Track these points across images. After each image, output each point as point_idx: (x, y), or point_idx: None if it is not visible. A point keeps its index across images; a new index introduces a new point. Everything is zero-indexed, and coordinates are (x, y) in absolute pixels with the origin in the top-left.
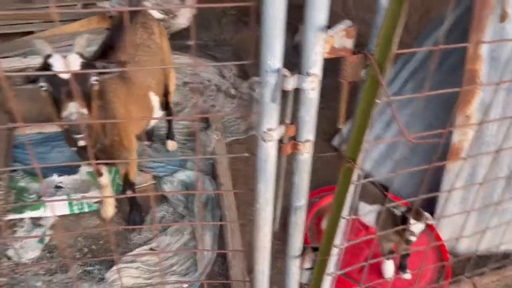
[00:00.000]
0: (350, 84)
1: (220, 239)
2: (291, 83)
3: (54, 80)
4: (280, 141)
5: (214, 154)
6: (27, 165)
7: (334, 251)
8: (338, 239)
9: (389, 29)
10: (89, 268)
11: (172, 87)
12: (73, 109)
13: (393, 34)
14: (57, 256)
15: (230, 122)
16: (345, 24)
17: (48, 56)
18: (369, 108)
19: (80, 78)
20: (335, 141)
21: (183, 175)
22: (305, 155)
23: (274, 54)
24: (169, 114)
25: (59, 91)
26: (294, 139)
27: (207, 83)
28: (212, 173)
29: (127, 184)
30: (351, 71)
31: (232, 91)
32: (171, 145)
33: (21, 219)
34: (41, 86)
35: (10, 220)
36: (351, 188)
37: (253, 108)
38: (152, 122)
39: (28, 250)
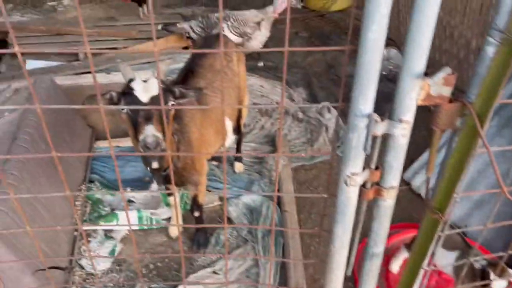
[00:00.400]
0: (443, 132)
1: (282, 268)
2: (381, 129)
3: (133, 103)
4: (363, 186)
5: (280, 179)
6: (103, 177)
7: None
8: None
9: (495, 80)
10: (154, 285)
11: (245, 112)
12: (150, 132)
13: (499, 85)
14: (125, 269)
15: (297, 147)
16: (445, 71)
17: (131, 80)
18: (463, 159)
19: (158, 102)
20: (408, 174)
21: (248, 199)
22: (388, 201)
23: (366, 98)
24: (240, 137)
25: (138, 114)
26: (378, 184)
27: (276, 106)
28: (278, 199)
29: (195, 205)
30: (445, 119)
31: (300, 115)
32: (238, 167)
33: (95, 230)
34: (122, 109)
35: (85, 231)
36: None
37: (320, 133)
38: (225, 146)
39: (100, 261)
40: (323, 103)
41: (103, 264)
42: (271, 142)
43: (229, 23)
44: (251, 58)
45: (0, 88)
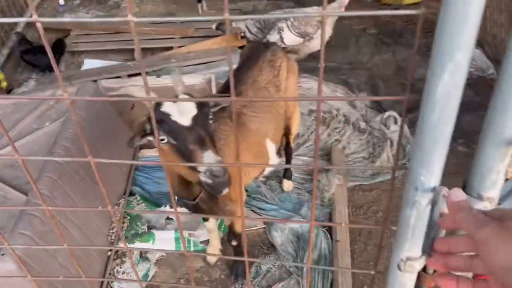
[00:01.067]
0: None
1: None
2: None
3: (175, 129)
4: (423, 270)
5: (332, 201)
6: (145, 189)
7: None
8: None
9: None
10: None
11: (295, 128)
12: (212, 159)
13: None
14: None
15: (356, 163)
16: None
17: (158, 105)
18: None
19: (202, 122)
20: None
21: (296, 224)
22: None
23: (430, 167)
24: (289, 154)
25: (186, 141)
26: None
27: (335, 113)
28: (329, 222)
29: (232, 234)
30: None
31: (362, 125)
32: (287, 185)
33: (130, 250)
34: (162, 140)
35: (120, 250)
36: None
37: (384, 148)
38: (266, 172)
39: (132, 284)
40: (388, 112)
41: None
42: (326, 156)
43: (288, 22)
44: (312, 58)
45: (47, 94)
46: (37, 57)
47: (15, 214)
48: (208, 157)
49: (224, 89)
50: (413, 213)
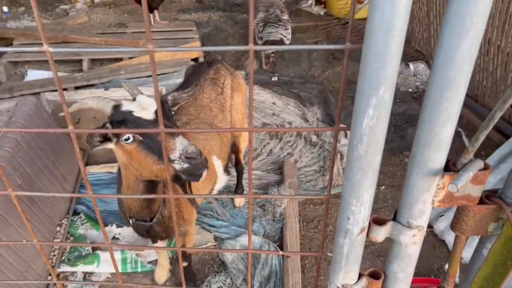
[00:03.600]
0: (467, 239)
1: None
2: (381, 234)
3: (140, 125)
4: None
5: (284, 216)
6: (90, 208)
7: None
8: None
9: None
10: None
11: (243, 145)
12: (184, 142)
13: None
14: None
15: (307, 176)
16: (476, 166)
17: (116, 106)
18: (499, 274)
19: (164, 114)
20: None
21: (246, 240)
22: None
23: (360, 197)
24: (240, 170)
25: (154, 135)
26: None
27: (287, 126)
28: (280, 239)
29: (183, 254)
30: (473, 224)
31: (314, 138)
32: (239, 201)
33: (73, 273)
34: (127, 139)
35: (62, 273)
36: None
37: (335, 161)
38: (216, 189)
39: None
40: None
41: None
42: (279, 169)
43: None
44: (266, 71)
45: None
46: None
47: None
48: (180, 141)
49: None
50: (346, 241)
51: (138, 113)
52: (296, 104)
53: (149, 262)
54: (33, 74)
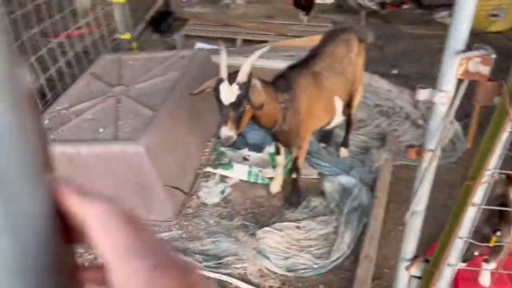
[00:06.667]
0: (482, 108)
1: (358, 242)
2: (424, 95)
3: (219, 101)
4: (410, 146)
5: (379, 170)
6: None
7: (447, 270)
8: (453, 259)
9: None
10: (247, 223)
11: (355, 102)
12: (223, 133)
13: None
14: (229, 207)
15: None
16: (480, 51)
17: (220, 80)
18: (495, 136)
19: (236, 104)
20: None
21: (344, 179)
22: (427, 163)
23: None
24: (349, 125)
25: (221, 111)
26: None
27: (398, 110)
28: (372, 186)
29: (295, 168)
30: (484, 96)
31: (420, 122)
32: (344, 151)
33: (214, 173)
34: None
35: (207, 172)
36: (472, 210)
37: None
38: (332, 124)
39: (212, 196)
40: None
41: (214, 199)
42: (381, 139)
43: None
44: (388, 64)
45: (171, 54)
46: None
47: (145, 122)
48: (223, 130)
49: (304, 59)
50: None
51: (221, 94)
52: (410, 94)
53: (267, 178)
54: (200, 45)
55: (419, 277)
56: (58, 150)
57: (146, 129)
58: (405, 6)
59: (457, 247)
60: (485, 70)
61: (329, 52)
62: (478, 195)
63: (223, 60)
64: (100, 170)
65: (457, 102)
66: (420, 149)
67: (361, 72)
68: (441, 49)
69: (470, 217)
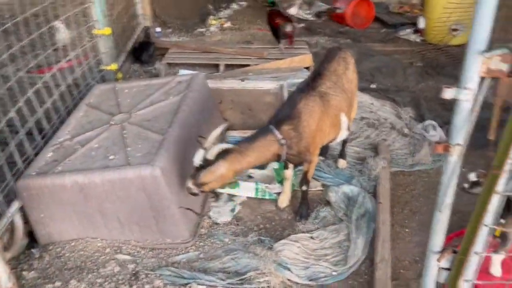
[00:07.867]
0: (503, 102)
1: (371, 246)
2: (450, 93)
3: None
4: (437, 142)
5: (377, 177)
6: None
7: (474, 259)
8: (479, 247)
9: None
10: (263, 237)
11: (353, 113)
12: (186, 184)
13: None
14: (241, 224)
15: (398, 156)
16: (501, 50)
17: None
18: None
19: (198, 170)
20: None
21: (347, 189)
22: (454, 157)
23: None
24: (346, 138)
25: None
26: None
27: (383, 121)
28: (374, 193)
29: (305, 179)
30: (504, 91)
31: (406, 131)
32: (342, 163)
33: (222, 193)
34: None
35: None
36: (496, 198)
37: (423, 146)
38: (338, 139)
39: (223, 215)
40: (428, 121)
41: (225, 218)
42: (374, 149)
43: None
44: (365, 80)
45: (167, 80)
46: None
47: (155, 146)
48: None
49: (312, 79)
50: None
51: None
52: (391, 105)
53: (274, 193)
54: (183, 72)
55: (448, 269)
56: (68, 180)
57: (159, 152)
58: (371, 26)
59: (483, 234)
60: (505, 67)
61: (333, 71)
62: (501, 183)
63: (214, 133)
64: (114, 197)
65: (481, 98)
66: (447, 145)
67: (355, 88)
68: (411, 64)
69: (493, 204)
